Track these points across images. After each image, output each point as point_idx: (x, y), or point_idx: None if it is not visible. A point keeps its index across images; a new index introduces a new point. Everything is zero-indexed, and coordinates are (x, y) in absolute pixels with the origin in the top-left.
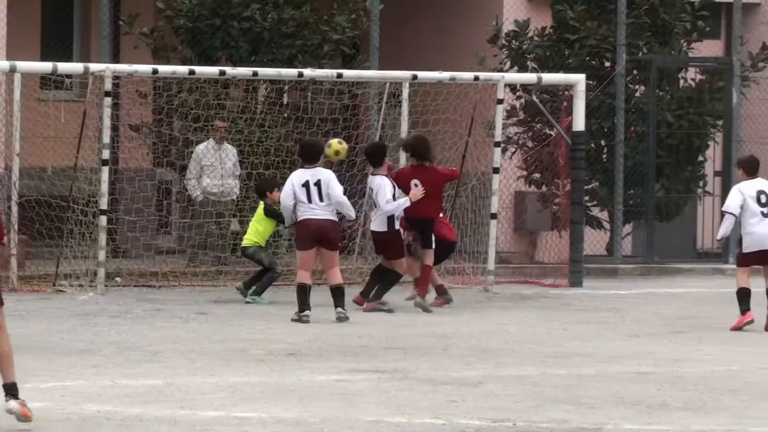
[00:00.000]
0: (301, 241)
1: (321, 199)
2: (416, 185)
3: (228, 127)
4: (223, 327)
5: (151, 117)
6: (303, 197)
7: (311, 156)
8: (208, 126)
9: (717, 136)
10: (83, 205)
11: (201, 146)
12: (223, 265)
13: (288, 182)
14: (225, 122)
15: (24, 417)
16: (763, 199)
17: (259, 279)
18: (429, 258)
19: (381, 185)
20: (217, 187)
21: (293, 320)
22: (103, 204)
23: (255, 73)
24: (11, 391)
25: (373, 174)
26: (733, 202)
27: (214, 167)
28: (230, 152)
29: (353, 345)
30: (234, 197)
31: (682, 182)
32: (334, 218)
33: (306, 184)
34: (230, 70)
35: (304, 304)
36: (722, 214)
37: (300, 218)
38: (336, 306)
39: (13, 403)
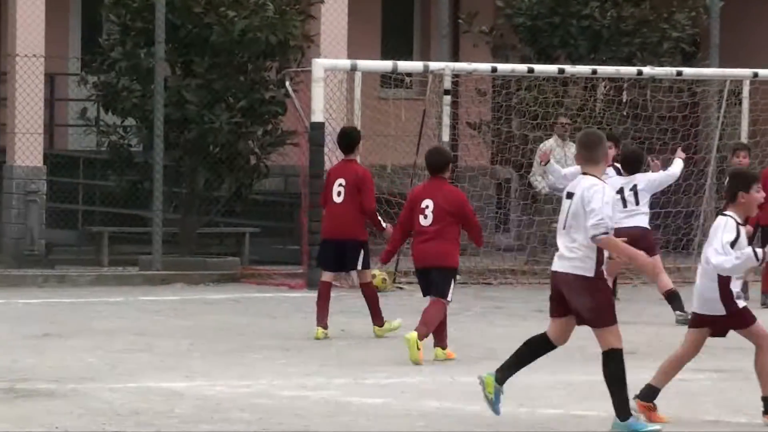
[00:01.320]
0: None
1: (637, 204)
2: None
3: (571, 124)
4: None
5: (489, 115)
6: (618, 205)
7: (632, 165)
8: (547, 123)
9: None
10: None
11: (547, 143)
12: None
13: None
14: (568, 119)
15: None
16: None
17: None
18: None
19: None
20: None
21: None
22: None
23: (594, 71)
24: None
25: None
26: None
27: (560, 164)
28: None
29: None
30: None
31: None
32: (644, 225)
33: (621, 191)
34: (569, 68)
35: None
36: None
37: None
38: (674, 309)
39: None
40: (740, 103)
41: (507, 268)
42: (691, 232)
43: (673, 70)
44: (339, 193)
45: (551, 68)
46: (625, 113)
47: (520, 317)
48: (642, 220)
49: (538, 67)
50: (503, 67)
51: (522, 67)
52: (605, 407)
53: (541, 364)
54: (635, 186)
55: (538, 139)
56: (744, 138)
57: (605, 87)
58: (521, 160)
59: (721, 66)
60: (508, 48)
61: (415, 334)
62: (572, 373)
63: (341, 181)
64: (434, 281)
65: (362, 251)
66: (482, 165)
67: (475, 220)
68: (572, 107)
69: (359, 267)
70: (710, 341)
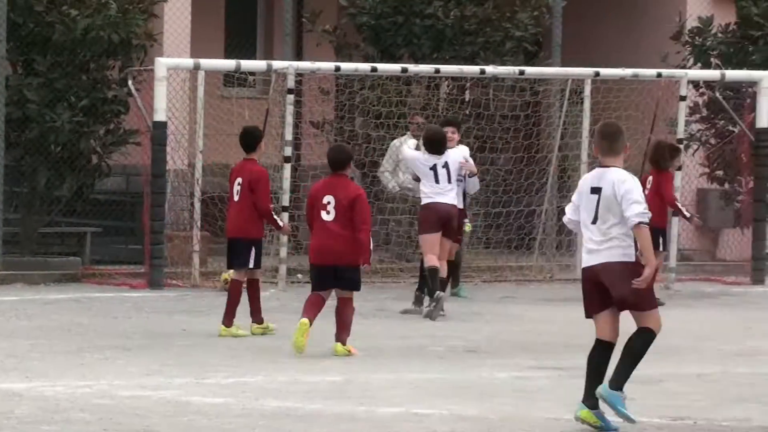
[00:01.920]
0: (429, 224)
1: (449, 181)
2: (650, 182)
3: (426, 123)
4: (402, 324)
5: (333, 114)
6: (431, 179)
7: (436, 145)
8: (390, 122)
9: None
10: None
11: (396, 141)
12: (406, 262)
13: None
14: (423, 118)
15: None
16: None
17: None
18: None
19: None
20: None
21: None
22: (285, 201)
23: (437, 71)
24: None
25: None
26: None
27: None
28: None
29: (534, 342)
30: None
31: None
32: (458, 203)
33: (434, 168)
34: (412, 67)
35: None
36: None
37: (426, 201)
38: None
39: None
40: (582, 102)
41: None
42: (533, 231)
43: (516, 69)
44: (237, 192)
45: (394, 67)
46: (467, 112)
47: (361, 316)
48: (455, 198)
49: (382, 66)
50: (346, 66)
51: (365, 66)
52: (447, 406)
53: (383, 362)
54: (447, 163)
55: (381, 137)
56: (585, 137)
57: (448, 86)
58: (364, 158)
59: (563, 65)
60: (352, 47)
61: (338, 344)
62: (413, 372)
63: (239, 179)
64: (346, 278)
65: (253, 249)
66: (325, 164)
67: (364, 216)
68: (415, 106)
69: (251, 265)
70: (549, 340)
